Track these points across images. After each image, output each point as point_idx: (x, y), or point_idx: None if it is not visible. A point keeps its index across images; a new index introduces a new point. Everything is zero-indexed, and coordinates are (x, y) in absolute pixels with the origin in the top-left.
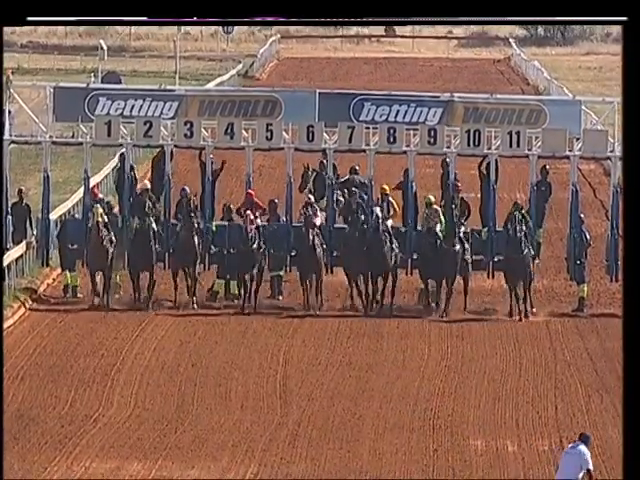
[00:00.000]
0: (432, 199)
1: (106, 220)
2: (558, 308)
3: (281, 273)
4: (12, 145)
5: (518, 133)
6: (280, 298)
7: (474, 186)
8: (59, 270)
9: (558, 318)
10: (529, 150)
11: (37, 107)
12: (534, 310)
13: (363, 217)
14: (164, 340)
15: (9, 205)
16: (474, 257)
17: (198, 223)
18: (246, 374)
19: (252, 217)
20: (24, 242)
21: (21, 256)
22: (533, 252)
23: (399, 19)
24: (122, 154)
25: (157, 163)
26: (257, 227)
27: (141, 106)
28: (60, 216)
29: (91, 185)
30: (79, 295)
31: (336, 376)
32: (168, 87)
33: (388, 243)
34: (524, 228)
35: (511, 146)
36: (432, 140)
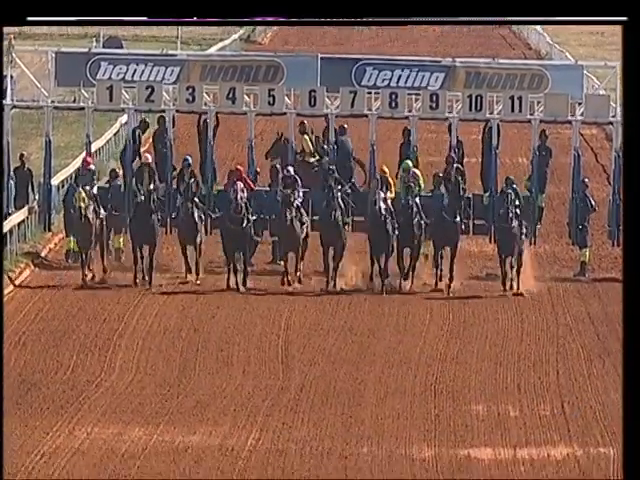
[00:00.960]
0: (410, 164)
1: (89, 204)
2: (560, 273)
3: None
4: (14, 110)
5: (520, 98)
6: (281, 263)
7: (476, 151)
8: (61, 235)
9: (560, 282)
10: (531, 115)
11: (39, 72)
12: (521, 279)
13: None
14: (166, 305)
15: (11, 169)
16: (476, 222)
17: (199, 194)
18: (248, 339)
19: (242, 186)
20: (26, 207)
21: (23, 221)
22: (524, 230)
23: (400, 19)
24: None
25: (159, 133)
26: (245, 200)
27: (143, 71)
28: (62, 181)
29: (87, 153)
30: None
31: (338, 341)
32: (170, 52)
33: (390, 225)
34: (516, 205)
35: (513, 111)
36: (434, 105)
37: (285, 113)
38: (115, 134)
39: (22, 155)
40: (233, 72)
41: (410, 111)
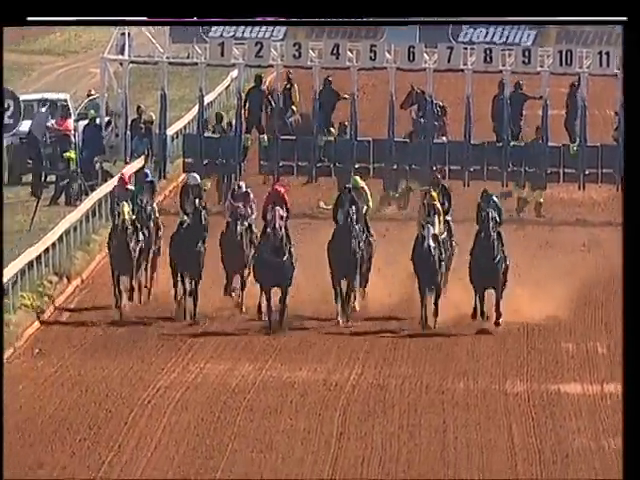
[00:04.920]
0: (358, 180)
1: (132, 218)
2: None
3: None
4: (131, 65)
5: (608, 53)
6: None
7: (562, 103)
8: (175, 183)
9: None
10: (618, 69)
11: (155, 29)
12: (500, 321)
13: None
14: None
15: (128, 121)
16: (565, 170)
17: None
18: None
19: (281, 213)
20: (142, 156)
21: (139, 170)
22: (506, 260)
23: (401, 19)
24: (258, 75)
25: (252, 94)
26: (285, 227)
27: (252, 28)
28: (177, 132)
29: (122, 173)
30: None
31: None
32: None
33: (437, 260)
34: (497, 226)
35: (601, 65)
36: (526, 60)
37: (386, 68)
38: (226, 88)
39: (139, 108)
40: (337, 29)
41: (504, 66)
